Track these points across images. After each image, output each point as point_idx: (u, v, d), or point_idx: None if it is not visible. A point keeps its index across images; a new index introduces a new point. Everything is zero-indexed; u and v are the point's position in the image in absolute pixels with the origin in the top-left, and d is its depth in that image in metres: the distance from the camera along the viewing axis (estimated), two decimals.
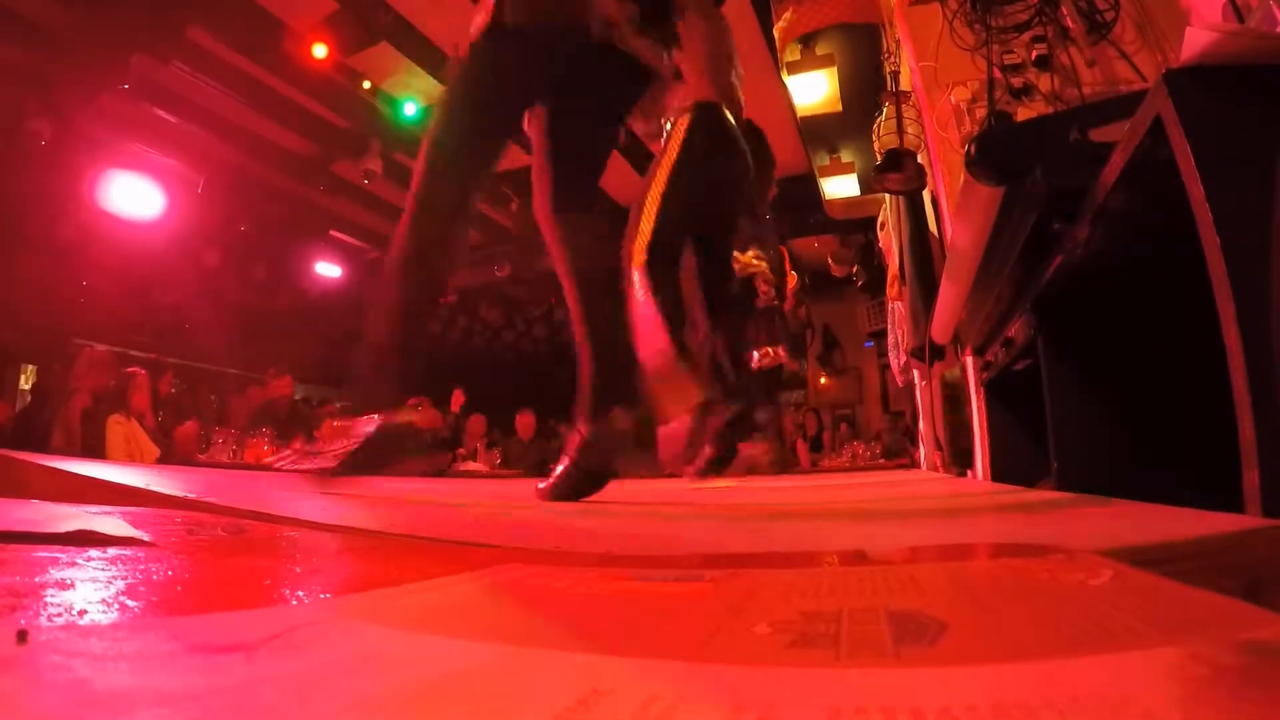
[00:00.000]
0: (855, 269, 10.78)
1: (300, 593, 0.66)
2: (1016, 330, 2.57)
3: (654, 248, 3.16)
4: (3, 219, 7.94)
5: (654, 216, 3.23)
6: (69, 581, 0.61)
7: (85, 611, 0.51)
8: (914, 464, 7.17)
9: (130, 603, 0.55)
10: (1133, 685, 0.33)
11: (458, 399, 8.96)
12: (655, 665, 0.39)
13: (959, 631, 0.45)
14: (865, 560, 0.83)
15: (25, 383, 8.91)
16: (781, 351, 6.46)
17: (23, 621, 0.46)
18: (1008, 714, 0.30)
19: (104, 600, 0.55)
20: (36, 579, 0.62)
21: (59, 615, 0.49)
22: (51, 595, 0.55)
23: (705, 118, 3.54)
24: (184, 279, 9.85)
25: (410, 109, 8.98)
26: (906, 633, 0.45)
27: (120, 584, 0.62)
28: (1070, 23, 3.56)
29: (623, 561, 0.88)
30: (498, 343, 12.95)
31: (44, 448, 5.61)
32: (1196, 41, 1.22)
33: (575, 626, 0.52)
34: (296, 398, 9.09)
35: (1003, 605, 0.55)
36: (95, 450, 5.82)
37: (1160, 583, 0.60)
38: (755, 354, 6.43)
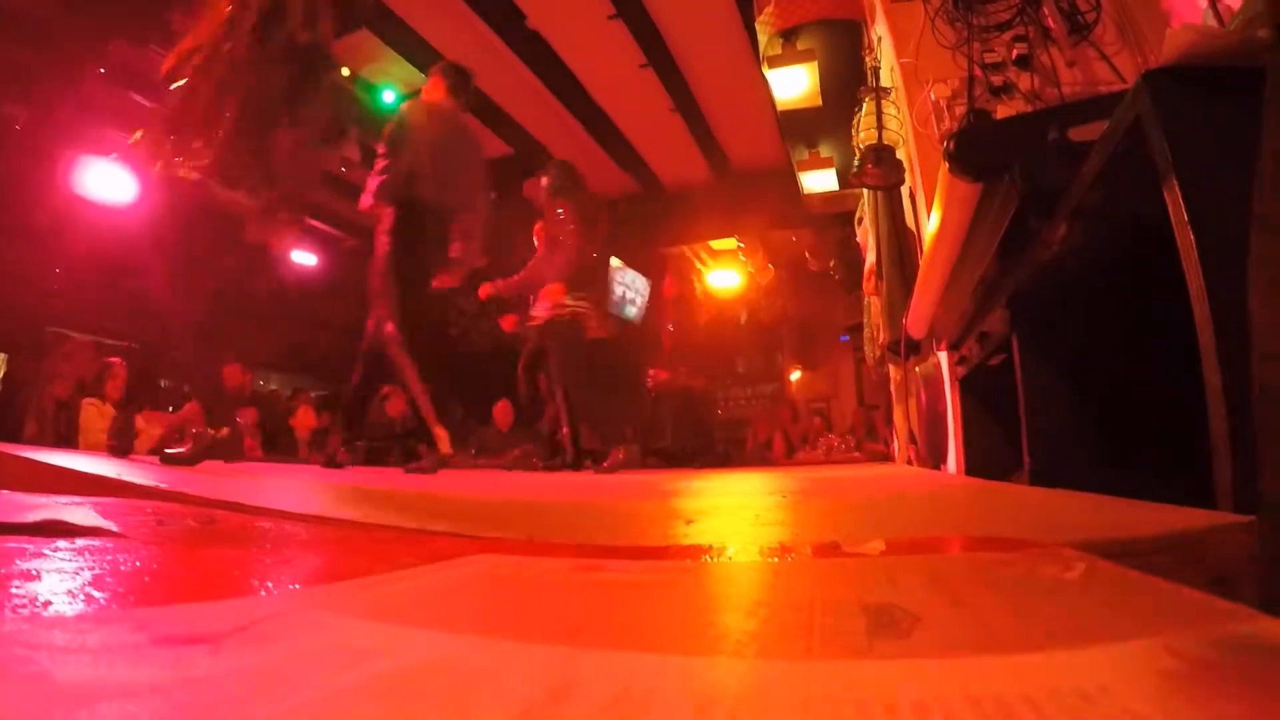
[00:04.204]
0: (832, 264, 10.80)
1: (269, 583, 0.65)
2: (991, 325, 2.58)
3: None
4: None
5: None
6: (35, 572, 0.60)
7: (50, 603, 0.50)
8: (889, 457, 7.21)
9: (96, 594, 0.54)
10: (1109, 679, 0.34)
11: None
12: (627, 658, 0.38)
13: (933, 624, 0.45)
14: (839, 552, 0.83)
15: None
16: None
17: None
18: (982, 707, 0.30)
19: (70, 591, 0.54)
20: (1, 570, 0.61)
21: (23, 607, 0.48)
22: (17, 586, 0.54)
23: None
24: (159, 266, 9.66)
25: (389, 96, 8.88)
26: (880, 625, 0.45)
27: (87, 575, 0.61)
28: (1051, 23, 3.57)
29: (594, 552, 0.87)
30: (474, 332, 12.84)
31: (16, 437, 5.55)
32: (1177, 42, 1.22)
33: (546, 617, 0.52)
34: (272, 387, 9.01)
35: (977, 598, 0.55)
36: (68, 439, 5.75)
37: (1134, 576, 0.60)
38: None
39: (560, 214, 5.33)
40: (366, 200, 4.14)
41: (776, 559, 0.81)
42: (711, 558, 0.80)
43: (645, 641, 0.43)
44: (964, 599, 0.54)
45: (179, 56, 3.06)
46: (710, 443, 8.10)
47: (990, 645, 0.42)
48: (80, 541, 0.80)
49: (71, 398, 6.03)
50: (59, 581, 0.58)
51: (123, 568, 0.67)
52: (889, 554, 0.80)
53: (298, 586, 0.64)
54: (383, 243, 4.08)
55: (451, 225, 4.25)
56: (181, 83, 3.04)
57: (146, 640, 0.38)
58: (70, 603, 0.51)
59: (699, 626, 0.47)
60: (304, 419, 7.86)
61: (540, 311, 5.24)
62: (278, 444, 7.58)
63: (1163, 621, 0.48)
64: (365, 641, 0.40)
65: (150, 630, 0.39)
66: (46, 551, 0.72)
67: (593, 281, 5.41)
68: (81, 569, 0.64)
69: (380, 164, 4.14)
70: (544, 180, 5.62)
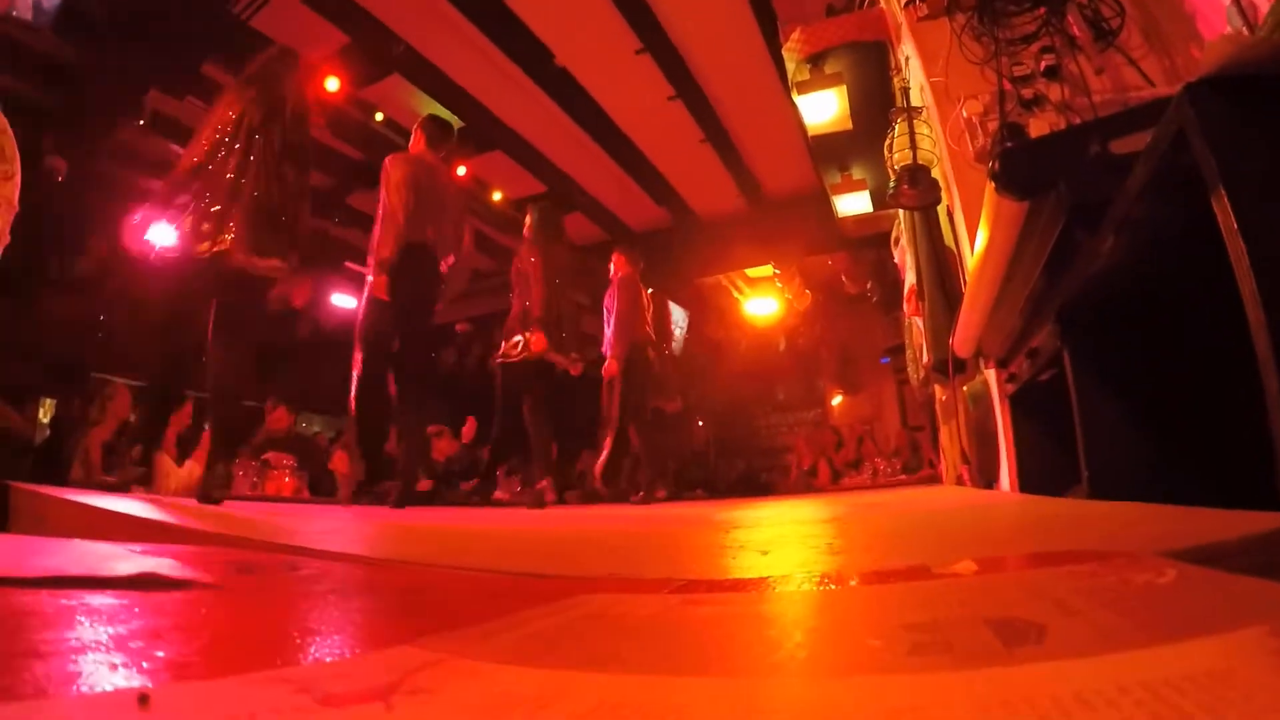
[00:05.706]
0: (870, 286, 10.76)
1: (392, 631, 0.66)
2: (1041, 341, 2.57)
3: None
4: (21, 255, 8.02)
5: None
6: (158, 630, 0.62)
7: (188, 664, 0.51)
8: (936, 478, 7.15)
9: (230, 651, 0.56)
10: (1230, 662, 0.38)
11: (469, 430, 8.90)
12: (804, 684, 0.40)
13: (1057, 631, 0.48)
14: (932, 574, 0.83)
15: (44, 416, 8.94)
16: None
17: (126, 676, 0.46)
18: (1133, 694, 0.34)
19: (200, 651, 0.56)
20: (123, 629, 0.62)
21: (163, 671, 0.49)
22: (144, 648, 0.55)
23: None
24: (200, 313, 9.76)
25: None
26: (1011, 636, 0.47)
27: (206, 632, 0.63)
28: (1077, 31, 3.57)
29: (684, 587, 0.88)
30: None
31: (63, 480, 5.66)
32: (1216, 53, 1.23)
33: (683, 652, 0.52)
34: (315, 430, 9.10)
35: (1086, 606, 0.57)
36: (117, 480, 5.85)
37: (1222, 577, 0.62)
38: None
39: (528, 256, 5.63)
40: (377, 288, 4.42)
41: (875, 585, 0.82)
42: (805, 586, 0.81)
43: (800, 668, 0.45)
44: (1074, 608, 0.56)
45: (193, 151, 3.58)
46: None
47: (1117, 644, 0.44)
48: (180, 595, 0.82)
49: (115, 441, 6.18)
50: (184, 641, 0.59)
51: (235, 623, 0.68)
52: (985, 573, 0.80)
53: (424, 634, 0.65)
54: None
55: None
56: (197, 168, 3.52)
57: (312, 701, 0.39)
58: (210, 662, 0.52)
59: (845, 651, 0.49)
60: (341, 462, 7.94)
61: (504, 352, 5.58)
62: (320, 486, 7.67)
63: (1259, 611, 0.51)
64: (530, 689, 0.41)
65: (310, 691, 0.40)
66: (153, 608, 0.73)
67: (559, 319, 5.64)
68: (197, 626, 0.65)
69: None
70: (526, 220, 5.91)
